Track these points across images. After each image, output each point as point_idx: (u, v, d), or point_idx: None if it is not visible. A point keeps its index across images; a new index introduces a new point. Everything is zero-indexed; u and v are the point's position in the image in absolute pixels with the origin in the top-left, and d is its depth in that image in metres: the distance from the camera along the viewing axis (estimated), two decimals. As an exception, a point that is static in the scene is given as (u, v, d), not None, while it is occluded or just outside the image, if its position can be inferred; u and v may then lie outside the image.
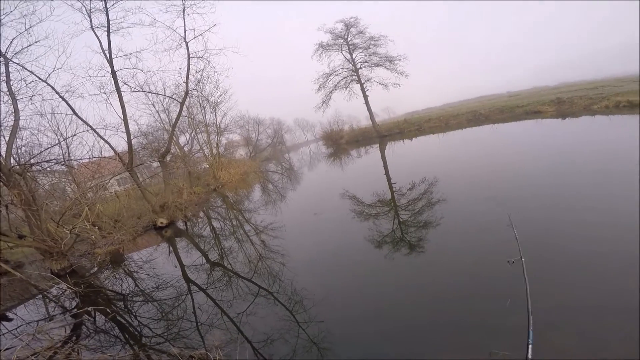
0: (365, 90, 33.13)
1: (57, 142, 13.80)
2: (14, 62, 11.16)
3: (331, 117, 39.00)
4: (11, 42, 11.02)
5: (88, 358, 4.77)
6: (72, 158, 14.22)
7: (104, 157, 14.89)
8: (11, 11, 11.06)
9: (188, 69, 17.27)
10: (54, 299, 8.38)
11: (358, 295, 4.92)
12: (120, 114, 14.04)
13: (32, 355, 4.42)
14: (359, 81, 33.11)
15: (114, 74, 13.70)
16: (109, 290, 8.28)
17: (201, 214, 16.46)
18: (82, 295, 7.54)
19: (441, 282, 4.61)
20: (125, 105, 14.13)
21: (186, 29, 16.40)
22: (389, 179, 12.70)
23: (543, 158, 9.76)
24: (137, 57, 14.40)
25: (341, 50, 33.25)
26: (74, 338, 5.53)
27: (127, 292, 7.63)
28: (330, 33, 32.50)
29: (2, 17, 10.80)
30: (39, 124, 17.58)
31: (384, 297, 4.66)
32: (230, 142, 38.57)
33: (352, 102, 34.11)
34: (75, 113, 13.12)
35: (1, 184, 10.05)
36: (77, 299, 7.38)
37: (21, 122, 11.19)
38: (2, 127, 11.18)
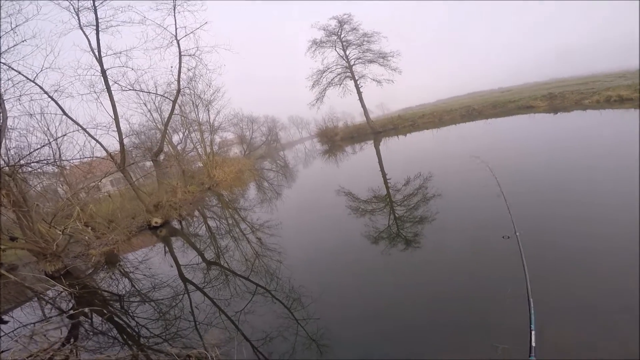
0: (359, 86, 33.10)
1: (47, 142, 13.59)
2: (0, 62, 10.95)
3: (325, 114, 38.95)
4: (-4, 41, 10.78)
5: (87, 358, 4.75)
6: (63, 158, 14.03)
7: (96, 157, 14.72)
8: (-5, 11, 10.80)
9: (180, 66, 17.13)
10: (50, 300, 8.30)
11: (355, 291, 4.96)
12: (111, 113, 13.93)
13: (28, 357, 4.39)
14: (352, 78, 33.06)
15: (103, 72, 13.55)
16: (105, 291, 8.22)
17: (196, 212, 16.37)
18: (78, 297, 7.48)
19: (438, 277, 4.67)
20: (116, 104, 14.03)
21: (177, 27, 16.28)
22: (384, 174, 12.76)
23: (542, 152, 9.89)
24: (127, 55, 14.28)
25: (335, 47, 33.14)
26: (72, 339, 5.49)
27: (124, 293, 7.59)
28: (324, 30, 32.39)
29: (-15, 17, 10.56)
30: (28, 124, 17.29)
31: (382, 293, 4.70)
32: (224, 141, 38.31)
33: (346, 99, 34.08)
34: (64, 113, 12.95)
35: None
36: (73, 300, 7.33)
37: (9, 123, 11.00)
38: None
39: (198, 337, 4.66)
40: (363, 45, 32.31)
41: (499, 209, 5.26)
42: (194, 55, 17.18)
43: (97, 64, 13.43)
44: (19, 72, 11.50)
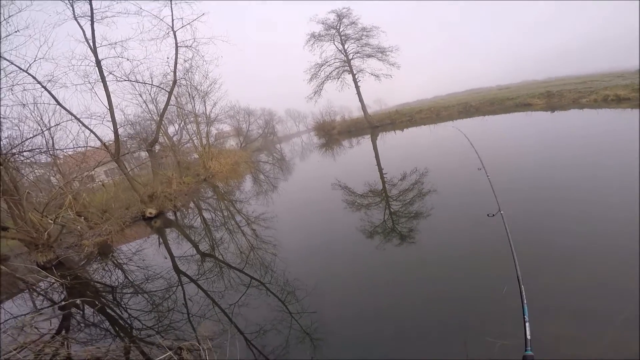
0: (357, 81, 32.92)
1: (40, 131, 13.37)
2: (-8, 52, 10.70)
3: (323, 108, 38.72)
4: (-12, 32, 10.52)
5: (78, 350, 4.70)
6: (57, 148, 13.83)
7: (90, 147, 14.54)
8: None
9: (176, 58, 16.89)
10: (41, 292, 8.22)
11: (350, 283, 4.95)
12: (106, 104, 13.74)
13: (18, 348, 4.33)
14: (351, 72, 32.84)
15: (98, 63, 13.36)
16: (97, 282, 8.15)
17: (191, 204, 16.26)
18: (69, 288, 7.41)
19: (434, 271, 4.66)
20: (111, 94, 13.85)
21: (174, 18, 16.02)
22: (380, 169, 12.73)
23: (541, 149, 9.90)
24: (122, 46, 14.10)
25: (333, 40, 32.85)
26: (63, 331, 5.44)
27: (116, 284, 7.53)
28: (323, 23, 32.05)
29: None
30: (20, 113, 16.95)
31: (379, 288, 4.68)
32: (220, 133, 37.91)
33: (344, 93, 33.98)
34: (58, 103, 12.72)
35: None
36: (64, 291, 7.26)
37: (2, 112, 10.81)
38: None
39: (191, 329, 4.63)
40: (362, 39, 32.05)
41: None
42: (190, 46, 16.92)
43: (92, 54, 13.25)
44: (12, 62, 11.32)
